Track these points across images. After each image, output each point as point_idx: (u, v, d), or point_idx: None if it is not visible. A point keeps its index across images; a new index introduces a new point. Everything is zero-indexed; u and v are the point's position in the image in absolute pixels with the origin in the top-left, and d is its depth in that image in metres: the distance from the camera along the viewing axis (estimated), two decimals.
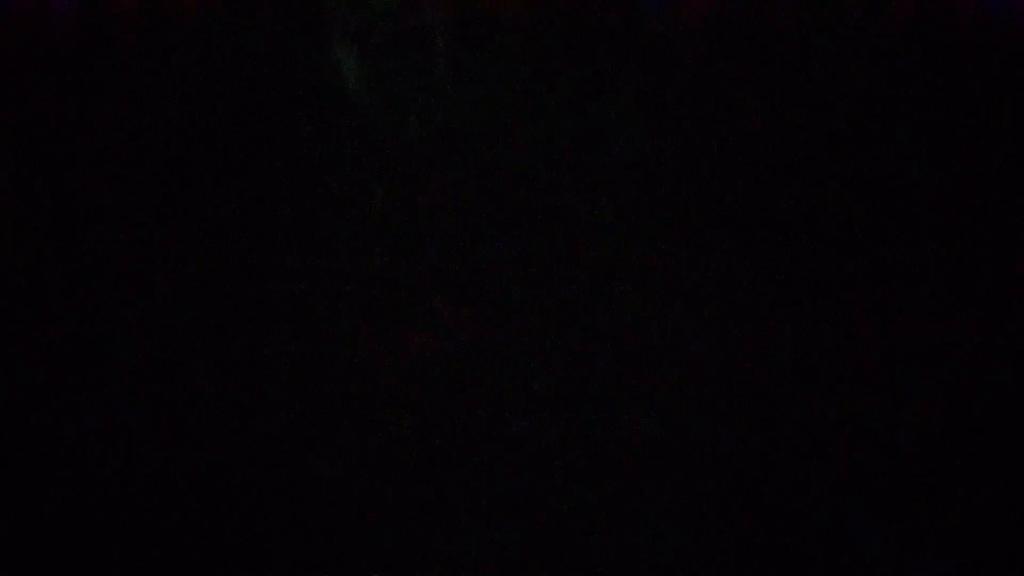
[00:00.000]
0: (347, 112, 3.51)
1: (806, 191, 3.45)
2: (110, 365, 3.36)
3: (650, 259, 3.43)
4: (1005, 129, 3.46)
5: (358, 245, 3.46)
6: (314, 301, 3.42)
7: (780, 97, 3.49)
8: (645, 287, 3.41)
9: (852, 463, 3.26)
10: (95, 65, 3.49)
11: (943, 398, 3.31)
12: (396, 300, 3.42)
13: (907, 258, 3.42)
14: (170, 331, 3.39)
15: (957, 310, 3.38)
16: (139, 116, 3.51)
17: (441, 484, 3.24)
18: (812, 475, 3.25)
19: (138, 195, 3.48)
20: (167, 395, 3.35)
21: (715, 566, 3.15)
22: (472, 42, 3.49)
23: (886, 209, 3.44)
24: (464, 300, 3.40)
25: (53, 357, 3.38)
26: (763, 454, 3.28)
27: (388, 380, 3.36)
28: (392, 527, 3.20)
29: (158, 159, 3.50)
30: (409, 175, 3.50)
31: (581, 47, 3.52)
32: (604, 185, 3.48)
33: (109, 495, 3.23)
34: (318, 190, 3.50)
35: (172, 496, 3.24)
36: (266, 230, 3.47)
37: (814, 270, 3.41)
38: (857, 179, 3.46)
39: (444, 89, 3.50)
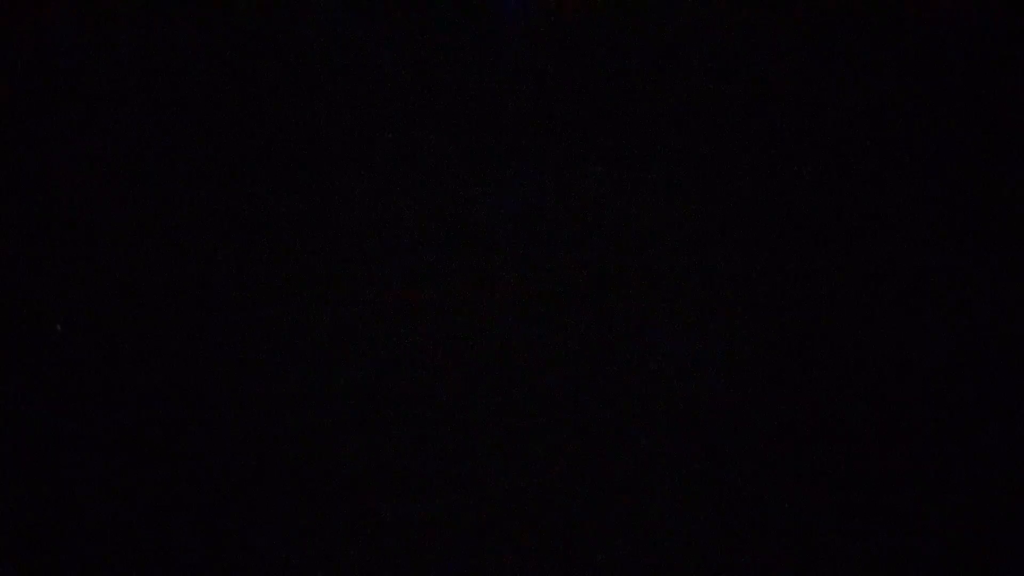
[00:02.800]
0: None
1: (806, 195, 3.45)
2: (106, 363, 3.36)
3: (653, 263, 3.43)
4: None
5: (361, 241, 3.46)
6: (315, 301, 3.42)
7: (777, 102, 3.49)
8: (646, 292, 3.41)
9: (853, 467, 3.26)
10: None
11: (942, 400, 3.31)
12: (398, 299, 3.42)
13: (909, 261, 3.42)
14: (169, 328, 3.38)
15: (957, 313, 3.38)
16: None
17: (441, 487, 3.24)
18: (811, 478, 3.25)
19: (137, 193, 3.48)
20: (166, 394, 3.35)
21: (715, 568, 3.16)
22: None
23: (885, 212, 3.44)
24: (466, 301, 3.40)
25: (51, 355, 3.37)
26: (763, 456, 3.28)
27: (388, 380, 3.36)
28: (392, 531, 3.20)
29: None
30: (409, 172, 3.50)
31: (574, 46, 3.52)
32: (608, 189, 3.48)
33: (107, 495, 3.23)
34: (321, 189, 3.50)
35: (171, 496, 3.24)
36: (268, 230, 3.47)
37: (815, 272, 3.41)
38: (853, 183, 3.46)
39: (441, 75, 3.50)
